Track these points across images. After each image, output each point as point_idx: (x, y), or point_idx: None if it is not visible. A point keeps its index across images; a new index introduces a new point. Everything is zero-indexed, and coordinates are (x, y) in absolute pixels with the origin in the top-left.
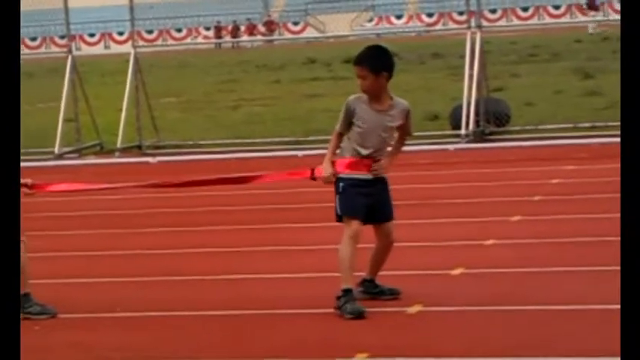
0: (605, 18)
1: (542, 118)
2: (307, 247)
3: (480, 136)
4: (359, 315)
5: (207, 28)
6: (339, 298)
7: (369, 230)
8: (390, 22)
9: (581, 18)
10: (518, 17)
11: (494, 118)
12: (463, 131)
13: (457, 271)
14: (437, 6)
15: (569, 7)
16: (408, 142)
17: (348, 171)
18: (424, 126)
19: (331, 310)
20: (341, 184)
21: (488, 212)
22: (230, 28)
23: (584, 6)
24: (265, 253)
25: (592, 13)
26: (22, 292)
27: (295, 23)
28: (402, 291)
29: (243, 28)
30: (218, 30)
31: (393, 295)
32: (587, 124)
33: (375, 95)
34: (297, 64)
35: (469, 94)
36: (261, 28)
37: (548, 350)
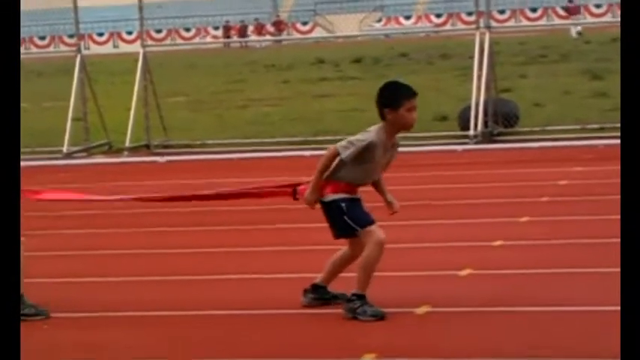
0: (591, 21)
1: (551, 119)
2: (313, 247)
3: (488, 137)
4: (381, 317)
5: (216, 28)
6: (350, 300)
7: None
8: (398, 23)
9: (589, 19)
10: (527, 18)
11: (502, 119)
12: (471, 132)
13: (465, 272)
14: (446, 6)
15: (577, 7)
16: (414, 142)
17: (334, 194)
18: (432, 127)
19: (339, 311)
20: (342, 205)
21: (496, 213)
22: (237, 27)
23: (564, 11)
24: (271, 253)
25: (572, 17)
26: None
27: (304, 23)
28: (407, 292)
29: (251, 27)
30: (227, 30)
31: (345, 299)
32: (595, 126)
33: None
34: (306, 64)
35: (478, 95)
36: (270, 28)
37: (556, 352)
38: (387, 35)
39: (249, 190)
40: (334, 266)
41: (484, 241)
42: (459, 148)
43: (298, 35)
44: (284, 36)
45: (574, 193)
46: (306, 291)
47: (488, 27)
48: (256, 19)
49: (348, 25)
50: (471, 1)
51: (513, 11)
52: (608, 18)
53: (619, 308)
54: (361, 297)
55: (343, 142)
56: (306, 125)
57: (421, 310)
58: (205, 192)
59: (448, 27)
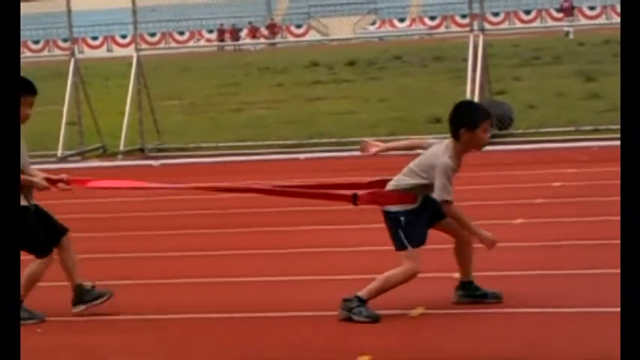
0: (585, 23)
1: (544, 121)
2: (309, 250)
3: None
4: (376, 319)
5: (210, 31)
6: (348, 300)
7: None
8: (392, 26)
9: (583, 21)
10: (521, 20)
11: (496, 121)
12: None
13: (458, 274)
14: (440, 9)
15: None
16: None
17: (397, 205)
18: (426, 129)
19: (334, 313)
20: (402, 219)
21: (490, 215)
22: (231, 30)
23: (558, 11)
24: (266, 256)
25: (567, 18)
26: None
27: (298, 26)
28: (402, 294)
29: (245, 31)
30: (221, 33)
31: (496, 298)
32: (589, 127)
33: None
34: (300, 67)
35: (471, 97)
36: (264, 31)
37: (551, 353)
38: (381, 38)
39: (308, 190)
40: (459, 260)
41: (478, 243)
42: None
43: (292, 38)
44: (278, 39)
45: (568, 195)
46: (456, 288)
47: (482, 29)
48: (250, 23)
49: (342, 27)
50: (465, 3)
51: (507, 13)
52: (602, 20)
53: (616, 309)
54: (362, 301)
55: (443, 188)
56: (300, 128)
57: (416, 311)
58: (264, 186)
59: (442, 29)
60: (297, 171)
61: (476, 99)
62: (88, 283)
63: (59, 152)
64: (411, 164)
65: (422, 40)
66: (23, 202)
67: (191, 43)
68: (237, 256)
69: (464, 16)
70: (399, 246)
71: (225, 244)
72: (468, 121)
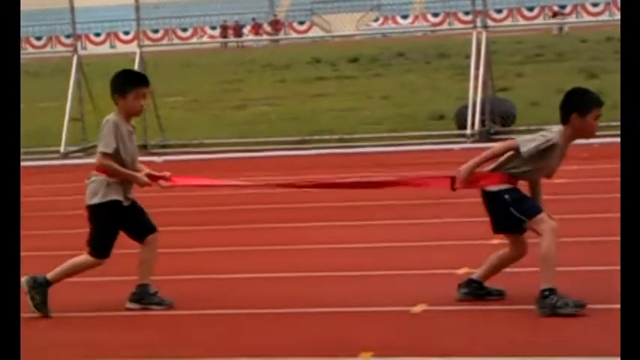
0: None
1: (547, 118)
2: (309, 247)
3: (485, 135)
4: (583, 307)
5: (213, 28)
6: (545, 297)
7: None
8: (395, 22)
9: (586, 18)
10: (524, 17)
11: (499, 118)
12: (468, 131)
13: (462, 271)
14: (443, 6)
15: (574, 7)
16: (411, 142)
17: (497, 185)
18: (429, 126)
19: (335, 310)
20: (506, 197)
21: None
22: (234, 27)
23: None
24: (268, 252)
25: (559, 17)
26: (142, 282)
27: (301, 23)
28: (404, 290)
29: (248, 27)
30: (224, 29)
31: (500, 295)
32: None
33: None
34: (303, 63)
35: (474, 94)
36: (267, 28)
37: (553, 350)
38: (384, 35)
39: (402, 179)
40: (492, 265)
41: (482, 240)
42: (456, 147)
43: (295, 35)
44: (281, 35)
45: (570, 192)
46: (460, 285)
47: (485, 26)
48: (253, 19)
49: (344, 24)
50: (468, 0)
51: (510, 10)
52: (605, 17)
53: (618, 306)
54: (553, 291)
55: (527, 137)
56: (303, 124)
57: (418, 308)
58: (354, 179)
59: (445, 26)
60: (299, 167)
61: (479, 96)
62: (153, 288)
63: (62, 148)
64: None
65: (425, 36)
66: (118, 197)
67: (194, 40)
68: (238, 253)
69: (467, 13)
70: (515, 223)
71: (224, 240)
72: (579, 107)
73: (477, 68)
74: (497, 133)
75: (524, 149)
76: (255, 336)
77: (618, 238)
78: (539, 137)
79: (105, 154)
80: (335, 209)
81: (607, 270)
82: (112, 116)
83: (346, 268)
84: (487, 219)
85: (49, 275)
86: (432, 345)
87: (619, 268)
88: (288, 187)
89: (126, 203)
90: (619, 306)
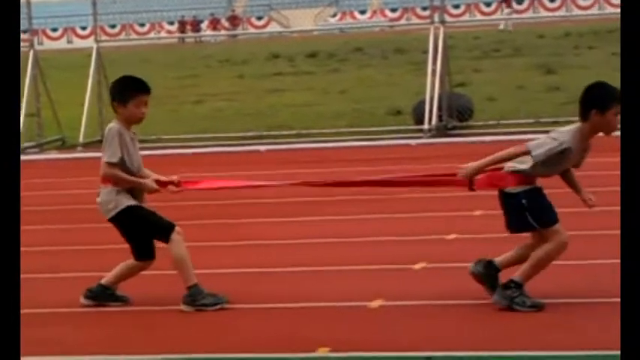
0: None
1: (505, 113)
2: (264, 242)
3: (442, 130)
4: (541, 307)
5: (171, 23)
6: (508, 287)
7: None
8: (353, 17)
9: (543, 13)
10: (482, 12)
11: (456, 113)
12: (426, 126)
13: (419, 266)
14: (400, 1)
15: (532, 2)
16: (368, 137)
17: (515, 187)
18: (387, 121)
19: (293, 305)
20: (524, 201)
21: (450, 207)
22: (190, 22)
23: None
24: (221, 248)
25: (506, 10)
26: (190, 284)
27: (259, 18)
28: (361, 285)
29: (206, 22)
30: (182, 25)
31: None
32: (548, 119)
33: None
34: (261, 59)
35: (432, 89)
36: (225, 23)
37: (510, 345)
38: (341, 30)
39: (421, 178)
40: (519, 252)
41: (438, 235)
42: (414, 142)
43: (253, 30)
44: (239, 31)
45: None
46: (479, 261)
47: (442, 22)
48: (211, 14)
49: (303, 19)
50: None
51: (468, 6)
52: (562, 12)
53: (578, 300)
54: (520, 286)
55: (539, 140)
56: (261, 120)
57: (375, 303)
58: (373, 178)
59: (403, 22)
60: (257, 162)
61: (436, 91)
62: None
63: None
64: (535, 143)
65: (383, 32)
66: (131, 202)
67: (152, 35)
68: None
69: (424, 9)
70: (527, 228)
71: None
72: (599, 103)
73: (434, 63)
74: (454, 128)
75: (534, 154)
76: (211, 332)
77: (579, 232)
78: (550, 141)
79: (111, 164)
80: (290, 205)
81: (564, 264)
82: (114, 124)
83: (302, 263)
84: (443, 214)
85: (104, 281)
86: (389, 340)
87: (578, 262)
88: (303, 185)
89: None
90: (578, 300)
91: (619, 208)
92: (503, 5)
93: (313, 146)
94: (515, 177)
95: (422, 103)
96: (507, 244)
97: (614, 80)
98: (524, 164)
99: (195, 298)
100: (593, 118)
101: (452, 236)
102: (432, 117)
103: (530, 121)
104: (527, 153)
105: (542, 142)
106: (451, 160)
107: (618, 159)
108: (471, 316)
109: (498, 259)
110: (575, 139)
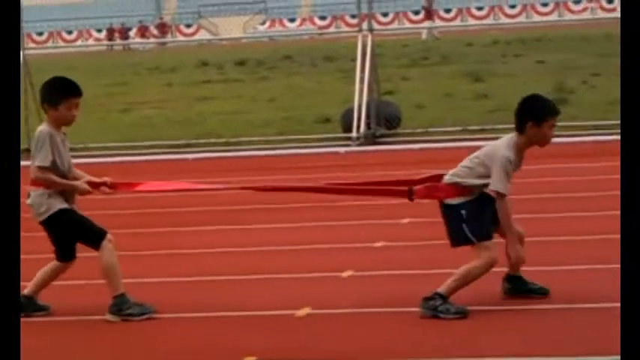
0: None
1: (433, 121)
2: (190, 251)
3: (370, 138)
4: (465, 314)
5: (99, 30)
6: (430, 299)
7: None
8: (283, 25)
9: (471, 22)
10: (410, 20)
11: (384, 121)
12: (354, 134)
13: (347, 274)
14: (330, 9)
15: (459, 10)
16: (297, 145)
17: (455, 198)
18: (315, 129)
19: (220, 314)
20: (463, 212)
21: (378, 214)
22: (119, 29)
23: (411, 14)
24: (145, 257)
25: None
26: (117, 293)
27: (188, 26)
28: (288, 294)
29: (135, 30)
30: (110, 32)
31: (542, 294)
32: (476, 127)
33: None
34: (190, 66)
35: (360, 97)
36: (154, 31)
37: (437, 352)
38: (271, 38)
39: (362, 187)
40: (508, 256)
41: (366, 243)
42: (342, 149)
43: (182, 38)
44: (168, 38)
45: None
46: (503, 280)
47: (370, 29)
48: (140, 22)
49: (232, 27)
50: (354, 3)
51: (396, 14)
52: (489, 21)
53: (493, 307)
54: (444, 298)
55: (495, 175)
56: (189, 128)
57: (302, 312)
58: (315, 185)
59: (332, 29)
60: (185, 171)
61: (364, 99)
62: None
63: None
64: (471, 157)
65: (312, 40)
66: (63, 205)
67: (79, 43)
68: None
69: (354, 16)
70: (463, 241)
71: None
72: (535, 115)
73: (362, 71)
74: (382, 135)
75: (504, 191)
76: (139, 343)
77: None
78: (501, 170)
79: (42, 168)
80: (217, 213)
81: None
82: (44, 127)
83: (229, 272)
84: (371, 222)
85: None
86: (316, 348)
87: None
88: (243, 189)
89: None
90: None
91: (619, 212)
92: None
93: (242, 154)
94: (455, 188)
95: (350, 110)
96: (435, 251)
97: (540, 88)
98: (460, 176)
99: (121, 307)
100: (529, 131)
101: (379, 244)
102: (360, 125)
103: (458, 128)
104: (502, 196)
105: (498, 175)
106: (379, 168)
107: (618, 162)
108: (398, 323)
109: (510, 271)
110: (512, 151)
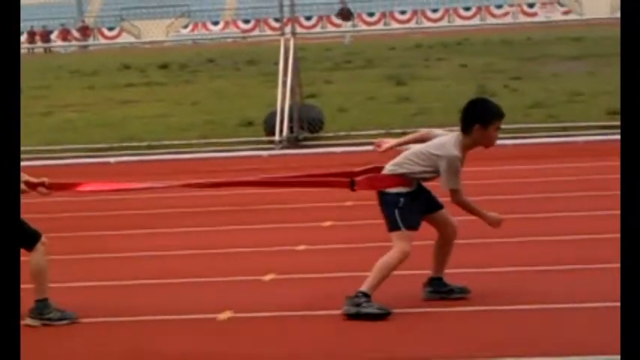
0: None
1: (355, 125)
2: (111, 255)
3: (293, 142)
4: (388, 313)
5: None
6: (354, 297)
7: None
8: (206, 29)
9: (394, 25)
10: (333, 24)
11: (307, 125)
12: (277, 137)
13: (269, 277)
14: (253, 13)
15: (383, 14)
16: (220, 148)
17: (395, 188)
18: (239, 132)
19: (139, 318)
20: (401, 199)
21: (300, 218)
22: (40, 32)
23: (337, 16)
24: (77, 261)
25: (346, 23)
26: (41, 297)
27: (110, 29)
28: (210, 298)
29: (56, 33)
30: (31, 35)
31: (463, 293)
32: (398, 130)
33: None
34: (112, 70)
35: (283, 101)
36: (76, 34)
37: (355, 357)
38: (194, 41)
39: (303, 179)
40: (436, 255)
41: (288, 246)
42: (265, 153)
43: (104, 41)
44: (90, 41)
45: (375, 198)
46: (424, 285)
47: (293, 33)
48: (61, 25)
49: (155, 30)
50: (277, 7)
51: (320, 17)
52: (412, 24)
53: (429, 309)
54: (367, 295)
55: (445, 174)
56: (112, 131)
57: (224, 315)
58: (255, 178)
59: (255, 33)
60: (107, 174)
61: (287, 103)
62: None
63: None
64: (416, 150)
65: (235, 43)
66: None
67: None
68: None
69: (277, 20)
70: (393, 226)
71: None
72: (482, 118)
73: (285, 75)
74: (305, 139)
75: (457, 188)
76: (55, 347)
77: (421, 243)
78: (452, 169)
79: None
80: (142, 217)
81: (409, 274)
82: None
83: (152, 276)
84: (293, 225)
85: None
86: (237, 352)
87: (415, 272)
88: (185, 187)
89: None
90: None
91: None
92: (341, 19)
93: (164, 158)
94: (396, 179)
95: (273, 114)
96: (356, 254)
97: (462, 91)
98: (404, 168)
99: (42, 311)
100: (475, 133)
101: (301, 247)
102: (283, 128)
103: (381, 132)
104: (458, 192)
105: (449, 176)
106: (302, 172)
107: (540, 166)
108: (321, 326)
109: (432, 273)
110: (458, 149)
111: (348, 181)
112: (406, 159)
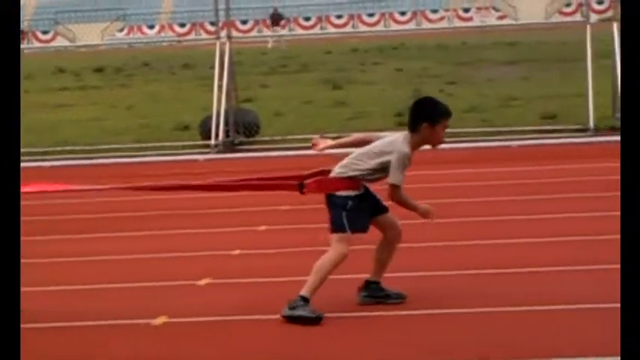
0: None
1: (291, 129)
2: (51, 260)
3: (229, 146)
4: (320, 318)
5: None
6: (295, 301)
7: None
8: (142, 32)
9: (330, 30)
10: (269, 28)
11: (243, 129)
12: (213, 141)
13: (204, 282)
14: (189, 16)
15: (319, 18)
16: (155, 152)
17: (343, 191)
18: (174, 136)
19: (75, 323)
20: (350, 202)
21: (235, 222)
22: None
23: (268, 21)
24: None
25: (276, 28)
26: None
27: (45, 32)
28: (144, 303)
29: None
30: None
31: (399, 299)
32: (334, 135)
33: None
34: (46, 73)
35: (218, 105)
36: None
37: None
38: (129, 44)
39: (252, 182)
40: (377, 259)
41: (223, 250)
42: (201, 157)
43: (38, 44)
44: (24, 45)
45: (313, 201)
46: (359, 289)
47: (229, 37)
48: None
49: (89, 34)
50: (213, 11)
51: (256, 21)
52: (348, 29)
53: (387, 312)
54: (306, 300)
55: (396, 174)
56: (45, 136)
57: (158, 320)
58: (203, 182)
59: (191, 37)
60: (41, 178)
61: (222, 107)
62: None
63: None
64: (365, 150)
65: (171, 47)
66: None
67: None
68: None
69: (213, 24)
70: (339, 228)
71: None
72: (430, 117)
73: (221, 79)
74: (241, 143)
75: (400, 183)
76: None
77: (363, 247)
78: (399, 165)
79: None
80: (74, 222)
81: (349, 278)
82: None
83: (84, 281)
84: (228, 229)
85: None
86: (173, 357)
87: (357, 276)
88: (133, 189)
89: None
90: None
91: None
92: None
93: (99, 162)
94: (344, 182)
95: (209, 118)
96: (291, 258)
97: (397, 95)
98: (352, 169)
99: None
100: (423, 131)
101: (236, 252)
102: (219, 132)
103: (317, 136)
104: (398, 187)
105: (397, 169)
106: (237, 176)
107: (477, 170)
108: (256, 331)
109: (371, 276)
110: (408, 147)
111: (297, 184)
112: (355, 159)
